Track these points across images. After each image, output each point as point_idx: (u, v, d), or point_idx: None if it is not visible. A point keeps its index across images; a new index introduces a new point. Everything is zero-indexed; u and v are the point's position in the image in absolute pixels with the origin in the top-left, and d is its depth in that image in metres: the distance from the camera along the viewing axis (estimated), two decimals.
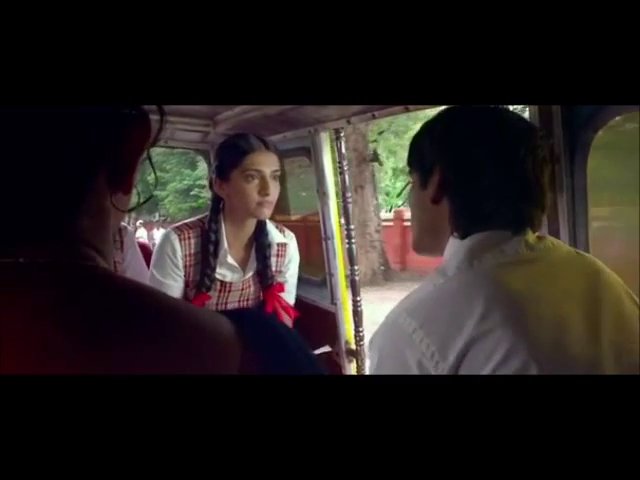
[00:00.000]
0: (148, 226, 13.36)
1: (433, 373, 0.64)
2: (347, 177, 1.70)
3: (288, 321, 1.60)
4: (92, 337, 0.33)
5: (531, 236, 0.75)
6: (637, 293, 0.78)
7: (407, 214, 9.10)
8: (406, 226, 9.49)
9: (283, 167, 1.88)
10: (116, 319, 0.34)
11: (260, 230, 1.55)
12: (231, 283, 1.54)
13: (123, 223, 1.77)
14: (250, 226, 1.53)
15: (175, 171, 17.02)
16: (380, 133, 11.21)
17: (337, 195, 1.76)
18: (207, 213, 1.54)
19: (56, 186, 0.36)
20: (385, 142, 11.94)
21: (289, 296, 1.65)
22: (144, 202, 0.45)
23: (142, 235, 10.53)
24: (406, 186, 0.88)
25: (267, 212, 1.46)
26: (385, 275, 9.60)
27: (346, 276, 1.76)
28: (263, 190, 1.43)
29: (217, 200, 1.51)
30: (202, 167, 15.07)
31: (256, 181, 1.43)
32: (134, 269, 1.50)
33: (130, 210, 0.44)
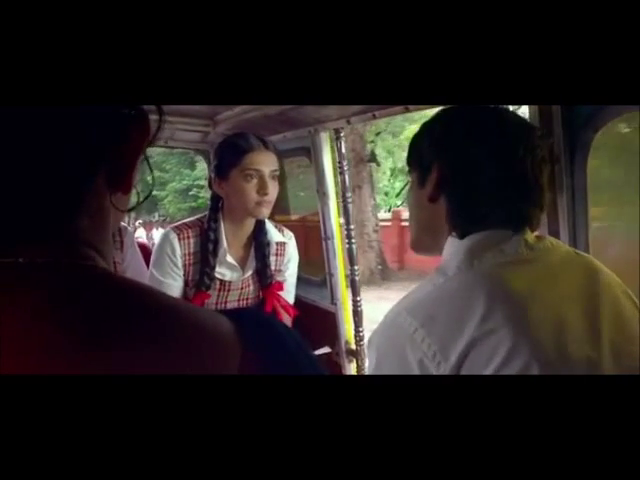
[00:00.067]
0: (147, 226, 13.35)
1: (434, 372, 0.63)
2: (347, 177, 1.70)
3: (287, 320, 1.60)
4: (92, 337, 0.33)
5: (530, 236, 0.75)
6: (637, 293, 0.78)
7: (405, 214, 9.23)
8: (404, 226, 9.62)
9: (283, 167, 1.88)
10: (116, 319, 0.34)
11: (259, 229, 1.55)
12: (230, 282, 1.55)
13: (123, 223, 1.77)
14: (249, 225, 1.54)
15: (175, 171, 17.02)
16: (377, 134, 11.24)
17: (337, 195, 1.76)
18: (206, 212, 1.54)
19: (56, 186, 0.36)
20: (383, 142, 11.95)
21: (288, 295, 1.65)
22: (143, 201, 0.45)
23: (141, 235, 10.53)
24: (405, 186, 0.88)
25: (266, 211, 1.47)
26: (382, 275, 9.65)
27: (346, 276, 1.76)
28: (262, 189, 1.43)
29: (216, 199, 1.52)
30: (201, 167, 15.09)
31: (255, 180, 1.43)
32: (134, 269, 1.50)
33: (130, 210, 0.44)
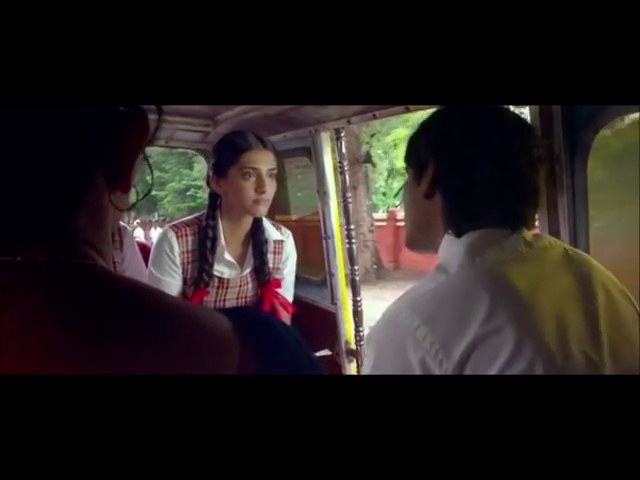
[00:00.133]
0: (146, 226, 13.35)
1: (436, 371, 0.63)
2: (347, 177, 1.70)
3: (286, 317, 1.61)
4: (92, 336, 0.32)
5: (528, 234, 0.75)
6: (637, 293, 0.78)
7: (400, 215, 9.34)
8: (399, 226, 9.80)
9: (283, 166, 1.88)
10: (115, 318, 0.34)
11: (256, 227, 1.56)
12: (229, 280, 1.55)
13: (122, 223, 1.77)
14: (247, 223, 1.55)
15: (174, 171, 17.03)
16: (372, 135, 11.28)
17: (337, 195, 1.76)
18: (204, 211, 1.55)
19: (55, 185, 0.36)
20: (379, 142, 11.97)
21: (287, 293, 1.65)
22: (141, 199, 0.45)
23: (139, 235, 10.53)
24: (403, 187, 0.88)
25: (263, 210, 1.48)
26: (378, 274, 9.75)
27: (346, 276, 1.76)
28: (259, 188, 1.44)
29: (214, 197, 1.53)
30: (198, 168, 15.10)
31: (253, 179, 1.44)
32: (133, 269, 1.50)
33: (129, 209, 0.44)
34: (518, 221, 0.75)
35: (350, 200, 1.74)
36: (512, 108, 0.84)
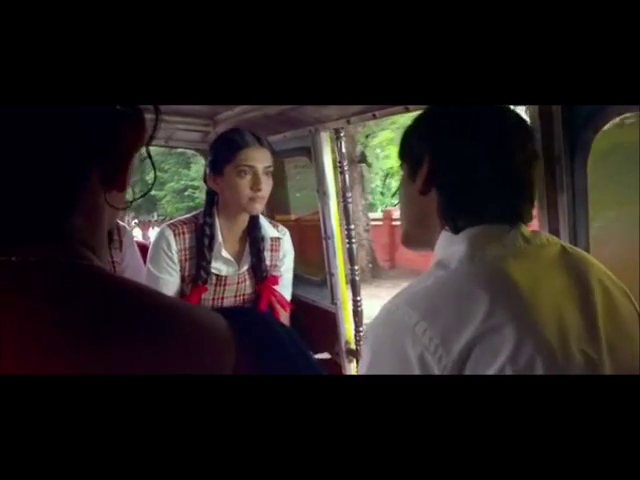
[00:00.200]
0: (144, 226, 13.35)
1: (435, 367, 0.62)
2: (347, 177, 1.71)
3: (284, 316, 1.61)
4: (89, 337, 0.32)
5: (526, 230, 0.75)
6: (637, 293, 0.78)
7: (395, 214, 9.36)
8: (395, 225, 9.89)
9: (283, 166, 1.87)
10: (113, 318, 0.34)
11: (253, 225, 1.57)
12: (226, 277, 1.56)
13: (122, 223, 1.78)
14: (243, 220, 1.55)
15: (173, 171, 17.03)
16: (367, 136, 11.31)
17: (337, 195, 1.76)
18: (201, 209, 1.56)
19: (50, 184, 0.36)
20: (374, 141, 11.97)
21: (285, 290, 1.66)
22: (138, 198, 0.45)
23: (137, 235, 10.53)
24: (400, 185, 0.88)
25: (259, 207, 1.49)
26: (373, 273, 9.82)
27: (346, 276, 1.76)
28: (255, 185, 1.45)
29: (211, 194, 1.54)
30: (195, 169, 15.10)
31: (249, 176, 1.45)
32: (133, 269, 1.50)
33: (125, 208, 0.44)
34: (516, 216, 0.75)
35: (350, 200, 1.74)
36: (512, 108, 0.84)
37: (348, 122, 1.54)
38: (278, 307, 1.61)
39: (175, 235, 1.49)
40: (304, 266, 1.86)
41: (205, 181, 1.55)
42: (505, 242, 0.72)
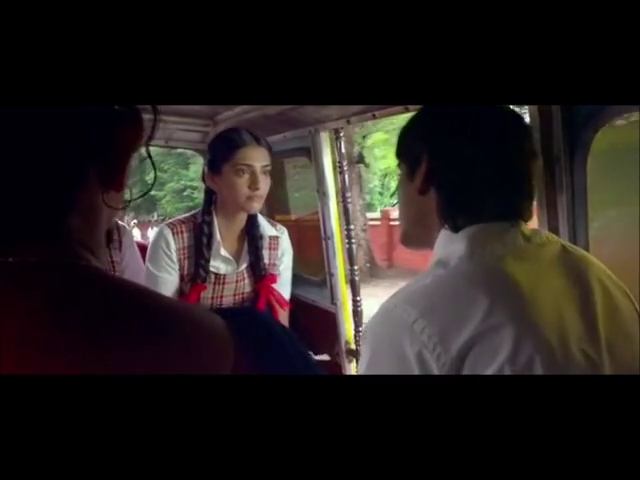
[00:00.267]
0: (143, 226, 13.35)
1: (434, 365, 0.62)
2: (347, 177, 1.71)
3: (283, 314, 1.62)
4: (88, 337, 0.32)
5: (526, 228, 0.75)
6: (637, 293, 0.78)
7: (393, 214, 9.44)
8: (392, 225, 9.96)
9: (283, 166, 1.87)
10: (112, 318, 0.34)
11: (251, 223, 1.58)
12: (225, 275, 1.57)
13: (122, 223, 1.78)
14: (241, 219, 1.56)
15: (172, 171, 17.03)
16: (364, 137, 11.34)
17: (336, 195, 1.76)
18: (199, 209, 1.57)
19: (48, 185, 0.36)
20: (369, 144, 11.99)
21: (283, 289, 1.66)
22: (137, 198, 0.45)
23: (136, 235, 10.54)
24: (399, 185, 0.88)
25: (257, 206, 1.49)
26: (371, 272, 9.85)
27: (345, 276, 1.76)
28: (253, 184, 1.45)
29: (210, 193, 1.55)
30: (194, 169, 15.10)
31: (246, 175, 1.46)
32: (132, 269, 1.50)
33: (124, 207, 0.44)
34: (515, 214, 0.75)
35: (350, 200, 1.74)
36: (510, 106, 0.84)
37: (348, 122, 1.54)
38: (277, 306, 1.61)
39: (174, 234, 1.50)
40: (304, 266, 1.86)
41: (203, 180, 1.56)
42: (505, 240, 0.71)
